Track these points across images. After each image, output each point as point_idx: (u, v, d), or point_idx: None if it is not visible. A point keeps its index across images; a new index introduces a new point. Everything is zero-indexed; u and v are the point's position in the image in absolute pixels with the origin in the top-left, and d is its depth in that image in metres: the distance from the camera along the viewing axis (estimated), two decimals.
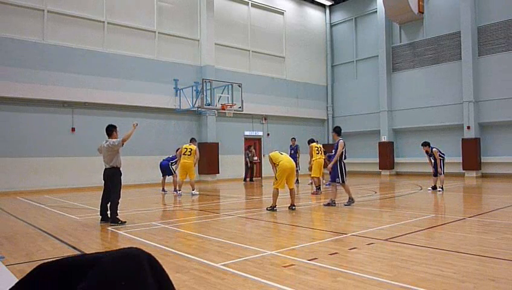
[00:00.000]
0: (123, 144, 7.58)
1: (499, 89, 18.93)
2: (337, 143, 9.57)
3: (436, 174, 12.81)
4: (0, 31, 14.54)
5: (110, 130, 7.86)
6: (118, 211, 7.59)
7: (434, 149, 12.86)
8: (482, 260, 4.55)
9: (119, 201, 7.71)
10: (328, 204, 9.50)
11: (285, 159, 9.01)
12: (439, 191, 12.52)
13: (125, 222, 7.51)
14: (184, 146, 13.02)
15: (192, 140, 13.42)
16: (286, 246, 5.43)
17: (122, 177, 7.83)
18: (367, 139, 24.37)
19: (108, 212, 7.63)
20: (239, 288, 3.76)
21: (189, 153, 12.64)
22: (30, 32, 15.22)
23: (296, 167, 13.74)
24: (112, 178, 7.62)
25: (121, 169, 7.78)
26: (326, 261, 4.58)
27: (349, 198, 9.52)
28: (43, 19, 15.52)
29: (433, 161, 12.93)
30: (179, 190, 12.83)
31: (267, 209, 9.06)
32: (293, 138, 17.43)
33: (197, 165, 13.16)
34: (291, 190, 9.14)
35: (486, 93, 19.38)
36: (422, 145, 13.14)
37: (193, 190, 12.90)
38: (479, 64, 19.63)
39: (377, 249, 5.12)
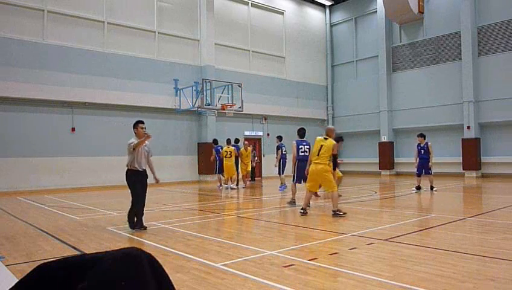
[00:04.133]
0: (134, 150, 6.94)
1: (499, 89, 18.93)
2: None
3: (425, 172, 12.50)
4: (0, 31, 14.55)
5: (134, 126, 7.21)
6: (140, 218, 6.98)
7: (429, 143, 12.62)
8: (482, 260, 4.55)
9: (137, 208, 6.99)
10: (289, 203, 9.93)
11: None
12: (413, 190, 12.61)
13: (145, 228, 6.91)
14: (224, 149, 15.00)
15: (228, 142, 15.44)
16: (286, 246, 5.43)
17: (133, 179, 7.09)
18: (367, 139, 24.38)
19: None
20: (239, 288, 3.76)
21: (229, 156, 14.72)
22: (30, 32, 15.22)
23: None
24: (126, 180, 7.08)
25: (135, 170, 7.01)
26: (326, 261, 4.58)
27: (292, 199, 9.88)
28: (43, 19, 15.53)
29: (420, 154, 12.60)
30: (223, 184, 15.27)
31: (300, 213, 8.34)
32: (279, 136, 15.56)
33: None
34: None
35: (486, 93, 19.38)
36: (418, 136, 12.91)
37: (232, 184, 15.00)
38: (479, 64, 19.63)
39: (377, 249, 5.12)
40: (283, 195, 12.86)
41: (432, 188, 12.62)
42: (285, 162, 14.52)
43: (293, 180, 9.83)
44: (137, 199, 6.96)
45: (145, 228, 6.86)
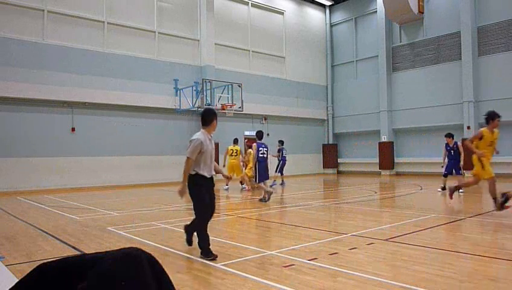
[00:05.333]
0: (187, 157, 5.04)
1: (499, 89, 18.92)
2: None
3: (456, 173, 11.89)
4: (0, 31, 14.54)
5: (206, 116, 5.35)
6: (207, 241, 5.01)
7: (459, 143, 12.02)
8: (482, 260, 4.55)
9: (203, 226, 5.13)
10: (260, 200, 10.60)
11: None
12: (439, 191, 12.25)
13: (215, 257, 4.83)
14: (230, 147, 14.81)
15: (236, 141, 15.18)
16: (286, 246, 5.42)
17: (198, 187, 5.11)
18: (367, 139, 24.39)
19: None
20: (239, 288, 3.76)
21: (235, 154, 14.61)
22: (30, 32, 15.22)
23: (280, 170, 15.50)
24: (189, 189, 5.17)
25: (201, 176, 5.13)
26: (326, 261, 4.58)
27: (263, 196, 10.55)
28: (43, 19, 15.53)
29: (450, 155, 11.99)
30: (227, 185, 14.80)
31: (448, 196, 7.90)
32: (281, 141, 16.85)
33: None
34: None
35: (486, 93, 19.37)
36: (446, 136, 12.22)
37: (242, 184, 14.87)
38: (479, 64, 19.62)
39: (377, 249, 5.12)
40: (282, 194, 12.87)
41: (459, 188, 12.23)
42: (285, 163, 16.09)
43: (257, 180, 10.61)
44: (205, 212, 5.17)
45: (214, 258, 4.79)
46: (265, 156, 10.62)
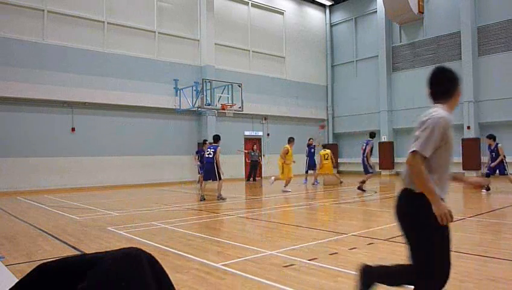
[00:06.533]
0: (414, 152, 2.55)
1: (499, 89, 18.92)
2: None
3: (489, 174, 11.93)
4: (0, 31, 14.54)
5: (446, 81, 3.01)
6: None
7: (499, 145, 11.88)
8: (482, 260, 4.55)
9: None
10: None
11: None
12: (483, 191, 11.82)
13: None
14: (321, 153, 16.59)
15: (325, 145, 17.13)
16: (286, 246, 5.42)
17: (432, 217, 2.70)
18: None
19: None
20: (239, 288, 3.76)
21: (327, 157, 16.45)
22: (30, 32, 15.22)
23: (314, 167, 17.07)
24: (412, 219, 2.82)
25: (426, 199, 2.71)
26: (326, 261, 4.58)
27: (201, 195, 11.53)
28: (43, 19, 15.52)
29: (492, 157, 11.91)
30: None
31: None
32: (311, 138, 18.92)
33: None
34: None
35: (486, 93, 19.37)
36: (487, 137, 12.14)
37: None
38: (479, 64, 19.62)
39: (377, 249, 5.12)
40: (284, 195, 12.88)
41: (487, 189, 11.95)
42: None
43: (203, 178, 11.66)
44: (440, 266, 2.66)
45: None
46: (210, 156, 11.36)
